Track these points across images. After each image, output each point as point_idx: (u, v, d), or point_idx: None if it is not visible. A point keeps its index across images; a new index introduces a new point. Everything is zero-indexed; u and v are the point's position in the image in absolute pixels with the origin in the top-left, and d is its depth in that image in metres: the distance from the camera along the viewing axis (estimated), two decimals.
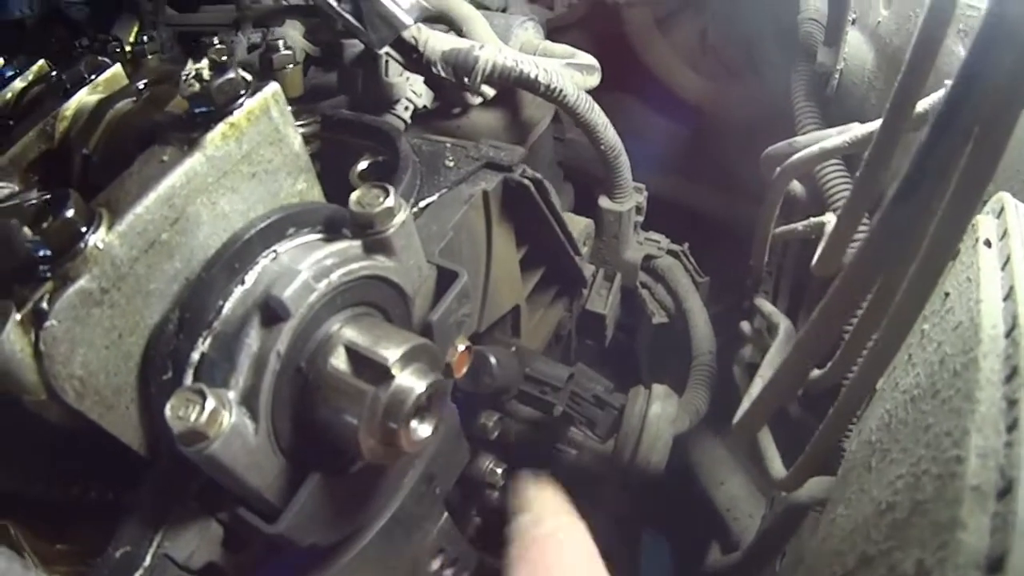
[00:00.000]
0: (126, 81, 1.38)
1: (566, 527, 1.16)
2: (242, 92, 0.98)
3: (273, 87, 1.02)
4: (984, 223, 0.99)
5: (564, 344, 2.11)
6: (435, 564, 1.37)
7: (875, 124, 1.27)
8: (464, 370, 1.15)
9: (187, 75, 1.10)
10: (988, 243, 0.96)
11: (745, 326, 2.23)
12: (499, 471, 1.59)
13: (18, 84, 1.49)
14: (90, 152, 1.25)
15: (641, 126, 2.26)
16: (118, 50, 1.63)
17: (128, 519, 0.96)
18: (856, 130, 1.50)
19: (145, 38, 1.63)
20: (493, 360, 1.39)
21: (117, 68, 1.41)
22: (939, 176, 0.90)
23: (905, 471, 0.81)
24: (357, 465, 1.04)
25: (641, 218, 2.31)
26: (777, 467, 1.60)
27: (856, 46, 1.87)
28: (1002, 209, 1.01)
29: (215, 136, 0.95)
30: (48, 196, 0.88)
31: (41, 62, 1.53)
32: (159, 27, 2.39)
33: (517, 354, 1.53)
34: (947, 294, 0.97)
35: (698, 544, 2.31)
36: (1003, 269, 0.91)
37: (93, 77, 1.37)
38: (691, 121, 3.01)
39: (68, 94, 1.35)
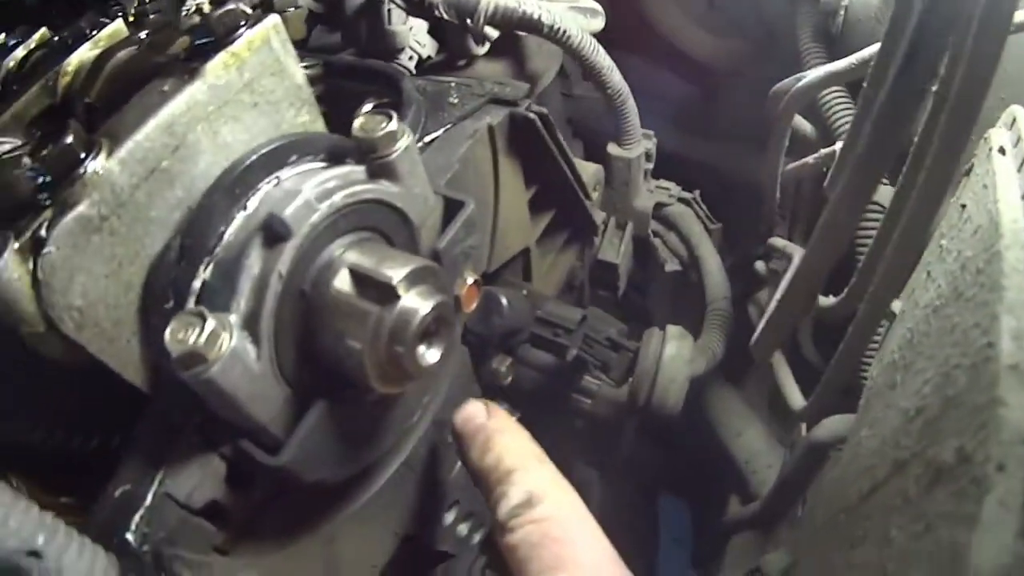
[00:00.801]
0: (126, 35, 1.38)
1: (566, 507, 1.03)
2: (242, 23, 0.98)
3: (274, 18, 1.01)
4: (997, 134, 0.99)
5: (577, 294, 2.10)
6: (449, 517, 1.36)
7: (877, 46, 1.26)
8: (473, 305, 1.14)
9: (187, 10, 1.09)
10: (1002, 150, 0.95)
11: (760, 266, 2.23)
12: (514, 418, 1.58)
13: (20, 52, 1.49)
14: (92, 100, 1.24)
15: (650, 84, 2.24)
16: (120, 14, 1.62)
17: (127, 456, 0.95)
18: (860, 54, 1.50)
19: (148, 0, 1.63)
20: (504, 300, 1.38)
21: (119, 23, 1.40)
22: (935, 49, 0.90)
23: (932, 374, 0.81)
24: (365, 397, 1.02)
25: (651, 165, 2.30)
26: (796, 398, 1.60)
27: None
28: (1014, 120, 1.01)
29: (216, 65, 0.94)
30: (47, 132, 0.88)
31: (43, 30, 1.53)
32: None
33: (528, 297, 1.52)
34: (964, 206, 0.97)
35: (717, 504, 2.30)
36: (1019, 171, 0.90)
37: (94, 33, 1.37)
38: (700, 78, 3.01)
39: (70, 50, 1.34)
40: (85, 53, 1.33)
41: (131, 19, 1.52)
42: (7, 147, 1.20)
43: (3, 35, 1.56)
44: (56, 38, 1.42)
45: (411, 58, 1.84)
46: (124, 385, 0.94)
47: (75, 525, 0.82)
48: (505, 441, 1.11)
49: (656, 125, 2.23)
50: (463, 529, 1.38)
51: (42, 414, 1.11)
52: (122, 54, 1.26)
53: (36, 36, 1.49)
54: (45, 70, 1.32)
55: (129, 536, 0.88)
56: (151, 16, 1.54)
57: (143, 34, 1.30)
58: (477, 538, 1.41)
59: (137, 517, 0.90)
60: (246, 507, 1.03)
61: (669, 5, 2.98)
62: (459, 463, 1.32)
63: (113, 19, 1.40)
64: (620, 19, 2.12)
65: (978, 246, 0.84)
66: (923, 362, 0.87)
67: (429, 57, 1.89)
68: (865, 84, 1.26)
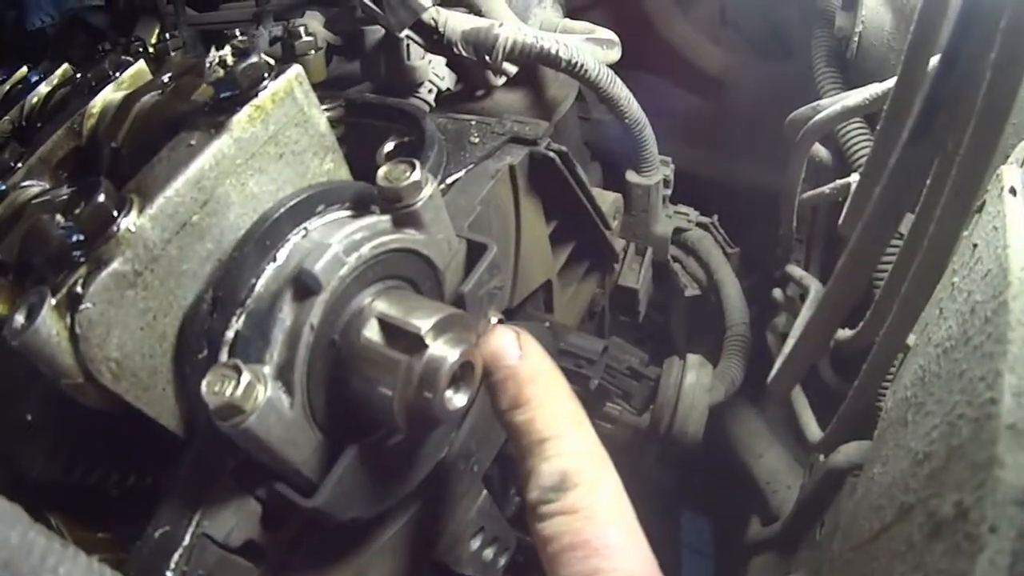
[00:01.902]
0: (150, 77, 1.40)
1: (603, 497, 0.93)
2: (265, 75, 0.99)
3: (296, 68, 1.03)
4: (1009, 172, 0.99)
5: (598, 321, 2.11)
6: (475, 543, 1.37)
7: (893, 80, 1.27)
8: None
9: (211, 62, 1.11)
10: (1013, 191, 0.95)
11: (778, 293, 2.24)
12: None
13: (43, 88, 1.51)
14: (119, 145, 1.26)
15: (665, 103, 2.26)
16: (141, 50, 1.64)
17: (166, 499, 0.96)
18: (876, 87, 1.51)
19: (168, 36, 1.65)
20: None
21: (141, 64, 1.42)
22: (951, 111, 0.91)
23: (940, 420, 0.82)
24: (394, 438, 1.04)
25: (669, 191, 2.32)
26: (813, 430, 1.61)
27: (874, 8, 1.87)
28: None
29: (241, 118, 0.96)
30: (79, 186, 0.90)
31: (65, 66, 1.55)
32: (180, 27, 2.40)
33: (551, 329, 1.53)
34: (975, 245, 0.97)
35: (738, 522, 2.30)
36: None
37: (117, 74, 1.39)
38: (714, 95, 3.01)
39: (94, 92, 1.36)
40: (109, 95, 1.36)
41: (152, 55, 1.55)
42: (36, 190, 1.22)
43: (25, 68, 1.58)
44: (79, 77, 1.44)
45: (430, 91, 1.86)
46: (159, 428, 0.96)
47: (112, 560, 0.83)
48: (539, 396, 1.00)
49: (669, 141, 2.23)
50: (489, 554, 1.38)
51: (80, 455, 1.13)
52: (147, 99, 1.28)
53: (59, 72, 1.52)
54: (70, 111, 1.34)
55: (169, 574, 0.91)
56: (172, 53, 1.56)
57: (166, 77, 1.32)
58: (503, 562, 1.42)
59: (176, 556, 0.92)
60: (280, 545, 1.05)
61: (682, 22, 3.00)
62: (484, 492, 1.34)
63: (135, 57, 1.41)
64: (633, 36, 2.13)
65: (987, 291, 0.85)
66: (932, 404, 0.88)
67: (448, 89, 1.91)
68: (878, 128, 1.27)
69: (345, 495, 0.97)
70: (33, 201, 1.19)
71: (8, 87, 1.59)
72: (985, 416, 0.70)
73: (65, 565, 0.74)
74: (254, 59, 0.98)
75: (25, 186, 1.26)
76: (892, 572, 0.76)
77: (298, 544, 1.08)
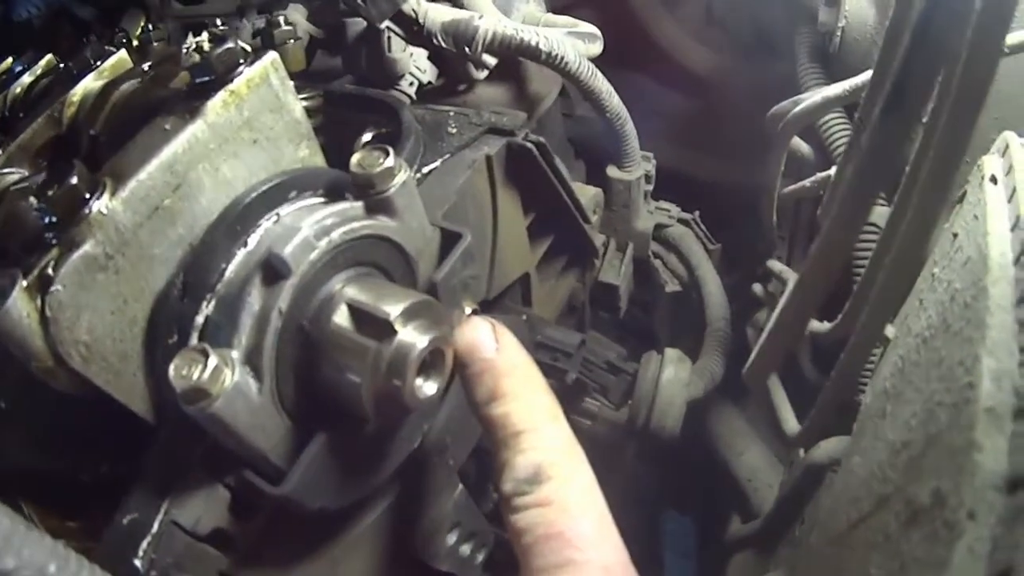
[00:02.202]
0: (131, 66, 1.39)
1: (576, 489, 0.95)
2: (241, 61, 0.99)
3: (272, 55, 1.03)
4: (989, 162, 0.99)
5: (578, 316, 2.11)
6: (451, 538, 1.37)
7: (871, 72, 1.28)
8: None
9: (188, 48, 1.11)
10: (994, 179, 0.96)
11: (758, 288, 2.24)
12: None
13: (27, 79, 1.51)
14: (97, 132, 1.26)
15: (649, 101, 2.26)
16: (124, 41, 1.64)
17: (135, 486, 0.96)
18: (856, 78, 1.51)
19: (151, 27, 1.64)
20: None
21: (122, 54, 1.41)
22: (924, 81, 0.91)
23: (919, 408, 0.82)
24: (364, 427, 1.03)
25: (651, 187, 2.32)
26: (792, 423, 1.61)
27: (856, 3, 1.88)
28: (1007, 147, 1.01)
29: (216, 103, 0.96)
30: (53, 170, 0.89)
31: (49, 56, 1.54)
32: (165, 20, 2.40)
33: (528, 322, 1.53)
34: (955, 235, 0.98)
35: (720, 522, 2.31)
36: (1009, 201, 0.91)
37: (99, 63, 1.39)
38: (699, 95, 3.02)
39: (75, 80, 1.36)
40: (90, 83, 1.35)
41: (135, 45, 1.54)
42: (16, 177, 1.22)
43: (10, 59, 1.57)
44: (62, 66, 1.43)
45: (412, 84, 1.85)
46: (130, 415, 0.96)
47: (82, 548, 0.83)
48: (515, 390, 1.00)
49: (654, 140, 2.24)
50: (466, 549, 1.38)
51: (52, 443, 1.12)
52: (126, 86, 1.28)
53: (42, 63, 1.51)
54: (51, 99, 1.33)
55: (137, 562, 0.90)
56: (154, 44, 1.56)
57: (146, 66, 1.31)
58: (480, 558, 1.42)
59: (144, 544, 0.92)
60: (250, 534, 1.05)
61: (668, 20, 3.00)
62: (460, 486, 1.33)
63: (118, 47, 1.41)
64: (619, 35, 2.13)
65: (967, 279, 0.85)
66: (911, 393, 0.88)
67: (430, 83, 1.91)
68: (857, 113, 1.28)
69: (313, 483, 0.97)
70: (12, 188, 1.19)
71: None
72: (963, 401, 0.70)
73: (29, 547, 0.73)
74: (230, 45, 0.98)
75: (4, 173, 1.26)
76: (868, 563, 0.76)
77: (269, 534, 1.07)
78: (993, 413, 0.65)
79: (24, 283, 0.83)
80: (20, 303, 0.82)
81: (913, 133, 1.04)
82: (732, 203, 2.59)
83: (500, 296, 1.56)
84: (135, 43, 1.64)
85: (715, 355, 2.17)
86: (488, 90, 1.98)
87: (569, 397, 1.73)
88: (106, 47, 1.43)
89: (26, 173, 1.27)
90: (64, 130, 1.33)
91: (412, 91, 1.86)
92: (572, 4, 2.76)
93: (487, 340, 1.03)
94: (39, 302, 0.83)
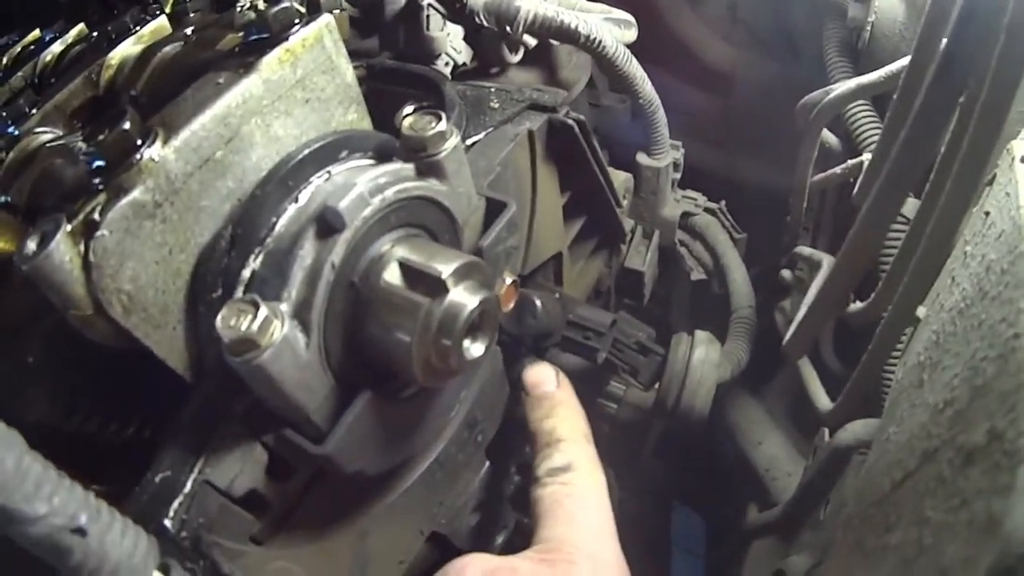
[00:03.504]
0: (170, 32, 1.39)
1: (593, 483, 1.23)
2: (297, 21, 0.99)
3: (327, 17, 1.03)
4: (1019, 145, 1.01)
5: (604, 300, 2.11)
6: (474, 519, 1.40)
7: (906, 60, 1.29)
8: (511, 305, 1.16)
9: (242, 6, 1.11)
10: None
11: (786, 274, 2.24)
12: None
13: (57, 47, 1.50)
14: (138, 93, 1.25)
15: (673, 97, 2.26)
16: (158, 12, 1.64)
17: (169, 443, 0.95)
18: (889, 67, 1.52)
19: None
20: (538, 302, 1.39)
21: (162, 20, 1.42)
22: (966, 64, 0.93)
23: (960, 368, 0.83)
24: (406, 391, 1.05)
25: (678, 175, 2.33)
26: (823, 401, 1.61)
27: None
28: None
29: (271, 60, 0.96)
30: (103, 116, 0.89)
31: (81, 26, 1.54)
32: None
33: (560, 300, 1.53)
34: (987, 213, 0.99)
35: (735, 513, 2.31)
36: None
37: (138, 28, 1.39)
38: (722, 91, 3.02)
39: (113, 44, 1.36)
40: (129, 48, 1.35)
41: (169, 14, 1.55)
42: (50, 136, 1.22)
43: (37, 31, 1.57)
44: (96, 33, 1.43)
45: (447, 64, 1.85)
46: (162, 375, 0.95)
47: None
48: (565, 413, 1.31)
49: (676, 135, 2.24)
50: (487, 530, 1.40)
51: (79, 401, 1.11)
52: (167, 49, 1.28)
53: (74, 32, 1.51)
54: (87, 63, 1.33)
55: (167, 522, 0.90)
56: (191, 14, 1.56)
57: (188, 31, 1.31)
58: (500, 540, 1.43)
59: (176, 503, 0.91)
60: (284, 498, 1.04)
61: (692, 17, 3.01)
62: (487, 464, 1.38)
63: (154, 17, 1.41)
64: (643, 31, 2.13)
65: (1002, 249, 0.87)
66: (950, 359, 0.89)
67: (464, 64, 1.91)
68: (895, 96, 1.28)
69: (355, 445, 0.97)
70: (47, 146, 1.19)
71: (19, 48, 1.58)
72: (1010, 351, 0.71)
73: (60, 495, 0.73)
74: (286, 4, 0.98)
75: (39, 132, 1.26)
76: (922, 508, 0.77)
77: (300, 500, 1.08)
78: None
79: (68, 227, 0.82)
80: (63, 247, 0.81)
81: (952, 115, 1.05)
82: (752, 198, 2.60)
83: (533, 273, 1.56)
84: (169, 13, 1.64)
85: (741, 341, 2.18)
86: (520, 74, 1.99)
87: (598, 377, 1.73)
88: (143, 15, 1.43)
89: (60, 133, 1.27)
90: (102, 92, 1.33)
91: (447, 71, 1.86)
92: None
93: (551, 377, 1.36)
94: (82, 247, 0.82)
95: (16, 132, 1.24)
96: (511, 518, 1.44)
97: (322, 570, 1.12)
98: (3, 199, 1.12)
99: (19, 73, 1.48)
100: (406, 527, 1.26)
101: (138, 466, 0.96)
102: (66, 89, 1.32)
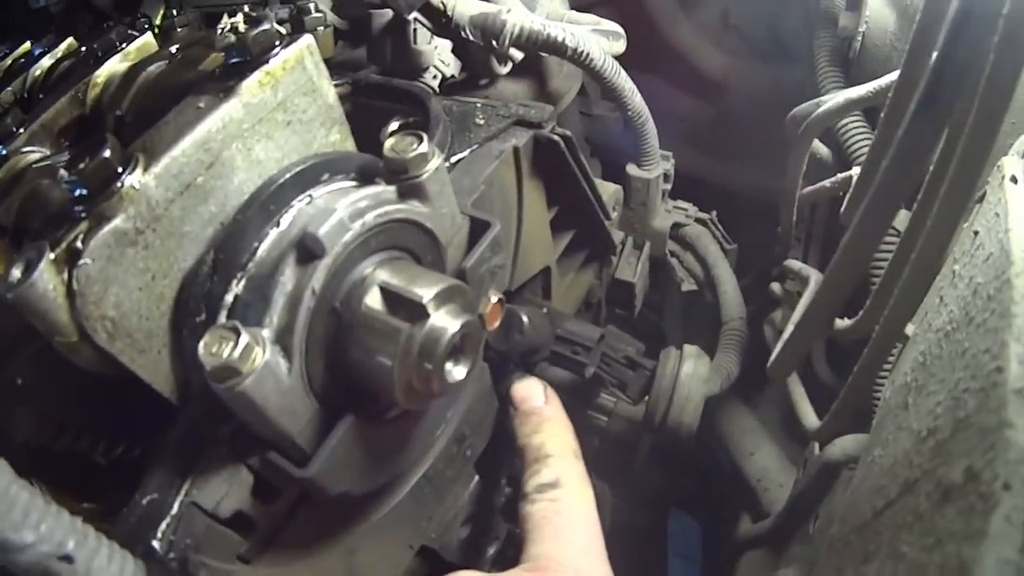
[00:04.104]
0: (157, 49, 1.40)
1: (581, 499, 1.22)
2: (277, 43, 0.99)
3: (308, 38, 1.03)
4: (1009, 162, 1.01)
5: (594, 312, 2.11)
6: (464, 531, 1.40)
7: (896, 74, 1.30)
8: (496, 323, 1.16)
9: (223, 28, 1.11)
10: (1014, 179, 0.98)
11: (776, 287, 2.25)
12: None
13: (47, 61, 1.51)
14: (123, 113, 1.26)
15: (665, 104, 2.27)
16: (146, 27, 1.64)
17: (155, 466, 0.96)
18: (879, 81, 1.53)
19: (175, 12, 1.65)
20: (525, 318, 1.39)
21: (148, 37, 1.43)
22: (958, 79, 0.93)
23: (944, 396, 0.83)
24: (390, 413, 1.05)
25: (669, 186, 2.33)
26: (811, 418, 1.62)
27: (877, 9, 1.89)
28: None
29: (251, 83, 0.96)
30: (84, 144, 0.89)
31: (69, 40, 1.55)
32: (186, 8, 2.40)
33: (548, 315, 1.53)
34: (976, 233, 0.99)
35: (728, 522, 2.31)
36: None
37: (124, 46, 1.39)
38: (714, 98, 3.03)
39: (99, 62, 1.36)
40: (115, 65, 1.36)
41: (157, 30, 1.55)
42: (37, 155, 1.22)
43: (28, 44, 1.58)
44: (84, 49, 1.44)
45: (435, 77, 1.86)
46: (149, 396, 0.96)
47: (97, 531, 0.83)
48: (553, 429, 1.31)
49: (668, 142, 2.25)
50: (478, 542, 1.40)
51: (68, 421, 1.12)
52: (153, 68, 1.28)
53: (63, 46, 1.52)
54: (74, 80, 1.34)
55: (155, 543, 0.90)
56: (178, 30, 1.57)
57: (173, 49, 1.31)
58: (491, 552, 1.43)
59: (164, 525, 0.91)
60: (270, 518, 1.05)
61: (684, 25, 3.01)
62: (476, 478, 1.38)
63: (141, 32, 1.41)
64: (635, 38, 2.14)
65: (989, 273, 0.86)
66: (935, 384, 0.89)
67: (452, 76, 1.91)
68: (884, 112, 1.29)
69: (338, 467, 0.97)
70: (34, 166, 1.19)
71: (10, 62, 1.58)
72: (991, 385, 0.71)
73: (48, 522, 0.75)
74: (266, 27, 0.98)
75: (26, 151, 1.26)
76: (898, 543, 0.77)
77: (288, 520, 1.08)
78: (1022, 394, 0.66)
79: (51, 255, 0.82)
80: (46, 275, 0.82)
81: (941, 134, 1.06)
82: (743, 207, 2.60)
83: (521, 288, 1.56)
84: (157, 29, 1.64)
85: (731, 353, 2.17)
86: (509, 86, 1.99)
87: (587, 391, 1.73)
88: (130, 31, 1.44)
89: (47, 152, 1.28)
90: (88, 111, 1.34)
91: (435, 84, 1.87)
92: (590, 5, 2.77)
93: (539, 392, 1.37)
94: (66, 275, 0.83)
95: (3, 151, 1.25)
96: (502, 529, 1.44)
97: None
98: None
99: (8, 88, 1.48)
100: (395, 542, 1.26)
101: (128, 484, 0.96)
102: (52, 108, 1.32)
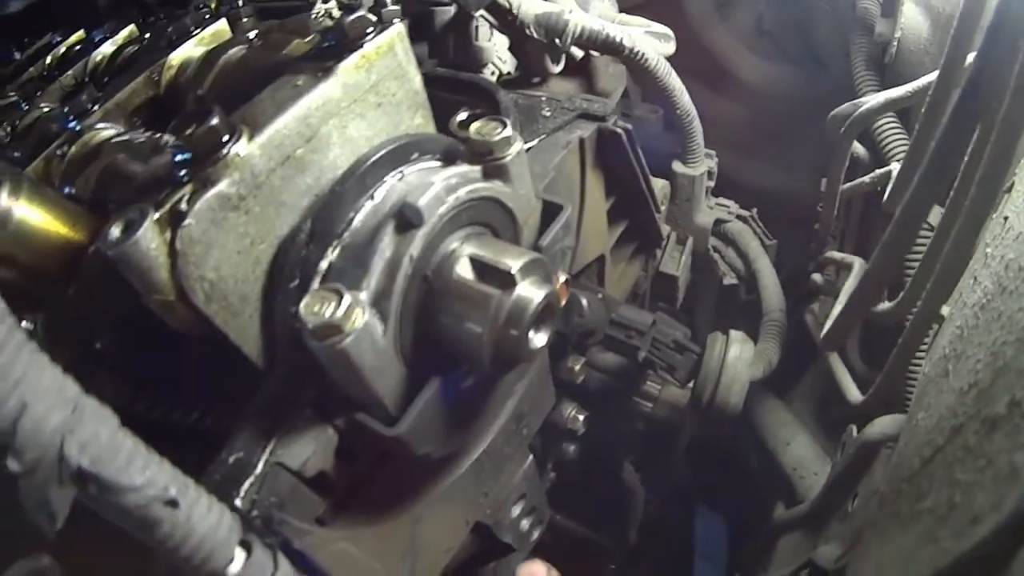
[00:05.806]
0: (230, 36, 1.44)
1: None
2: (370, 29, 1.05)
3: (399, 26, 1.09)
4: None
5: (639, 303, 2.16)
6: (516, 510, 1.42)
7: (932, 75, 1.36)
8: (563, 302, 1.19)
9: (317, 14, 1.15)
10: None
11: (817, 277, 2.29)
12: (580, 418, 1.64)
13: (108, 47, 1.54)
14: (204, 93, 1.29)
15: (701, 107, 2.30)
16: (207, 16, 1.67)
17: (242, 425, 0.98)
18: (917, 82, 1.58)
19: (240, 2, 1.67)
20: (584, 301, 1.43)
21: (223, 23, 1.46)
22: (994, 79, 0.98)
23: (983, 355, 0.88)
24: (468, 380, 1.08)
25: (712, 183, 2.38)
26: (854, 393, 1.66)
27: (912, 15, 1.96)
28: None
29: (349, 65, 1.02)
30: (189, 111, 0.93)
31: (131, 27, 1.58)
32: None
33: (604, 300, 1.57)
34: (1006, 218, 1.04)
35: (756, 514, 2.33)
36: None
37: (198, 31, 1.43)
38: (747, 102, 3.05)
39: (173, 45, 1.40)
40: (190, 50, 1.39)
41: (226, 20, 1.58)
42: (112, 132, 1.25)
43: (81, 31, 1.60)
44: (150, 34, 1.46)
45: (493, 73, 1.90)
46: (232, 363, 1.00)
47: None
48: None
49: (707, 146, 2.29)
50: (525, 524, 1.43)
51: (146, 387, 1.14)
52: (233, 51, 1.31)
53: (124, 32, 1.54)
54: (147, 63, 1.38)
55: (238, 501, 0.93)
56: (243, 20, 1.60)
57: (251, 35, 1.35)
58: (535, 535, 1.47)
59: (248, 483, 0.94)
60: (349, 480, 1.08)
61: (720, 29, 3.04)
62: (530, 457, 1.40)
63: (214, 19, 1.44)
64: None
65: (1020, 249, 0.93)
66: (973, 349, 0.94)
67: (508, 73, 1.96)
68: (923, 110, 1.34)
69: (424, 428, 1.01)
70: (112, 140, 1.21)
71: (64, 48, 1.62)
72: None
73: (152, 468, 0.78)
74: (361, 13, 1.04)
75: (100, 128, 1.28)
76: (953, 473, 0.81)
77: (361, 485, 1.12)
78: None
79: (155, 215, 0.86)
80: (150, 234, 0.85)
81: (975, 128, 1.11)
82: (776, 209, 2.63)
83: (578, 274, 1.61)
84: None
85: (772, 342, 2.22)
86: (560, 84, 2.03)
87: (633, 377, 1.77)
88: (205, 18, 1.47)
89: (121, 129, 1.31)
90: (162, 91, 1.38)
91: (493, 79, 1.90)
92: (630, 8, 2.81)
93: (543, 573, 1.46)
94: (168, 235, 0.87)
95: (78, 127, 1.27)
96: (547, 513, 1.47)
97: (378, 553, 1.15)
98: (67, 190, 1.16)
99: (70, 72, 1.52)
100: (455, 516, 1.30)
101: (205, 449, 0.99)
102: (127, 88, 1.36)
